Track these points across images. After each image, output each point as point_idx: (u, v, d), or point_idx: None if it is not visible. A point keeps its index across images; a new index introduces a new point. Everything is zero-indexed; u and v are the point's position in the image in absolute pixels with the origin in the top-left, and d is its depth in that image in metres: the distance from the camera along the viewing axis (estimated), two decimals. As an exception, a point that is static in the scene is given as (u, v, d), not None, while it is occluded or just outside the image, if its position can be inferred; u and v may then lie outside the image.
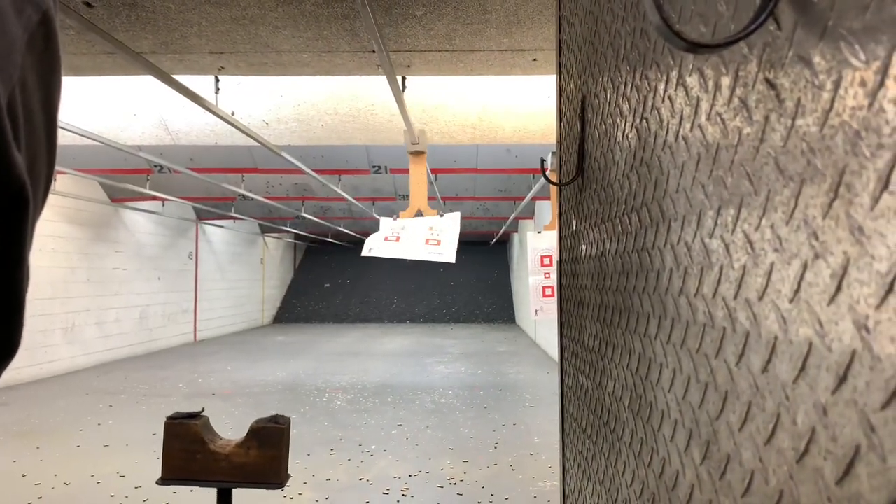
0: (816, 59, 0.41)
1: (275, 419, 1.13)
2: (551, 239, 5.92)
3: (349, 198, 9.85)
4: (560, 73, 1.48)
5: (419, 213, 4.52)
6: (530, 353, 14.25)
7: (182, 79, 4.95)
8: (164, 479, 1.11)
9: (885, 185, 0.34)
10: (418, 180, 4.64)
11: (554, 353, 12.79)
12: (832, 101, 0.39)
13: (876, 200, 0.35)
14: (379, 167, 9.28)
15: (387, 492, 5.17)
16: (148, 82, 5.67)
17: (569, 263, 1.35)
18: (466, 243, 22.72)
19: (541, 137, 6.68)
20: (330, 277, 24.71)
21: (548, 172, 5.43)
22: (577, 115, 1.24)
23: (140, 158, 6.89)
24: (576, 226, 1.26)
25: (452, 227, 4.38)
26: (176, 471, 1.08)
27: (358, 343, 16.32)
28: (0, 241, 0.39)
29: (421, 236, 4.34)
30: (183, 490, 4.76)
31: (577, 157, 1.24)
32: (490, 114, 6.38)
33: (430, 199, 9.03)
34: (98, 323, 11.34)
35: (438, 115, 6.35)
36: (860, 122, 0.37)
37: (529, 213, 14.54)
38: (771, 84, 0.47)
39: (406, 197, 11.60)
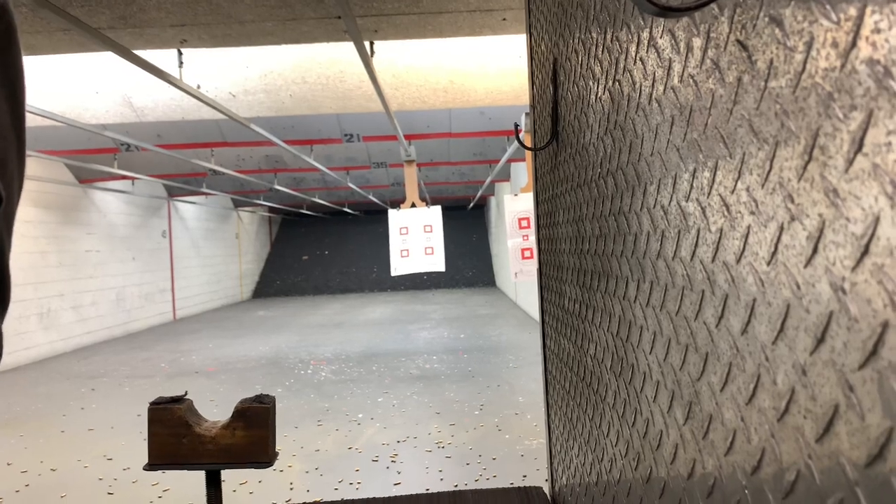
0: (788, 20, 0.41)
1: (259, 399, 1.13)
2: (528, 201, 5.95)
3: (322, 168, 9.74)
4: (530, 35, 1.46)
5: (413, 205, 6.05)
6: (512, 314, 14.37)
7: (144, 54, 4.82)
8: (151, 465, 1.11)
9: (859, 148, 0.34)
10: (411, 182, 6.10)
11: (535, 313, 12.92)
12: (804, 62, 0.39)
13: (850, 162, 0.35)
14: (351, 135, 9.17)
15: (376, 459, 5.23)
16: (109, 59, 5.52)
17: (547, 228, 1.35)
18: (444, 208, 22.71)
19: (514, 98, 6.63)
20: (308, 249, 24.58)
21: (522, 135, 5.44)
22: (548, 77, 1.23)
23: (106, 137, 6.74)
24: (552, 190, 1.26)
25: (438, 224, 5.97)
26: (162, 456, 1.08)
27: (340, 314, 16.33)
28: None
29: (421, 245, 5.96)
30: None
31: (550, 120, 1.23)
32: (462, 76, 6.32)
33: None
34: (74, 307, 11.20)
35: (409, 79, 6.27)
36: (833, 83, 0.36)
37: (505, 176, 14.52)
38: (743, 45, 0.46)
39: (381, 165, 11.50)
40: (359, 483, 4.71)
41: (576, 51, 1.01)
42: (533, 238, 5.78)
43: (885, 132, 0.32)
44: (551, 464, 1.52)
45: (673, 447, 0.67)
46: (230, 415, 1.08)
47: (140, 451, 5.55)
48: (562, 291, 1.24)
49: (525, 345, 10.28)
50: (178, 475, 4.88)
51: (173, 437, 1.05)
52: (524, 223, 5.92)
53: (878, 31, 0.32)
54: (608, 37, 0.83)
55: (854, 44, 0.34)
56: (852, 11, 0.34)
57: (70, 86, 5.91)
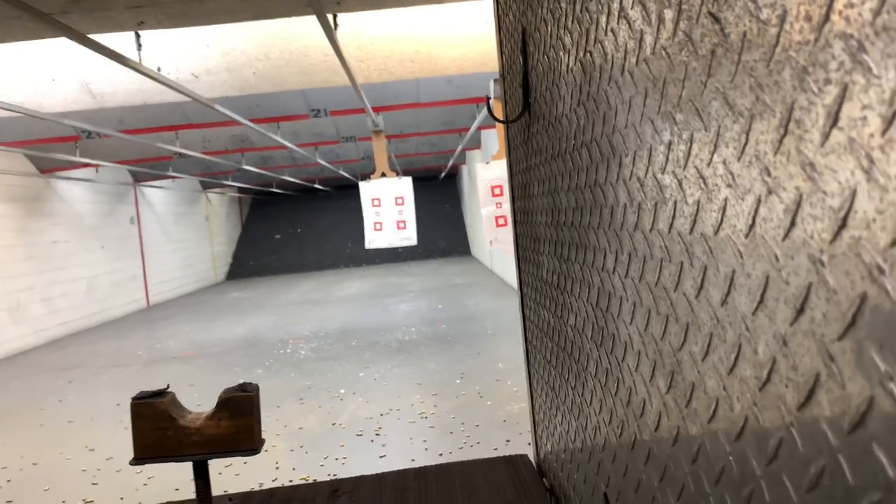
0: (759, -7, 0.41)
1: (242, 387, 1.12)
2: (500, 169, 5.94)
3: (290, 145, 9.61)
4: (497, 4, 1.45)
5: (383, 175, 6.05)
6: (488, 282, 14.45)
7: (100, 38, 4.67)
8: (137, 459, 1.10)
9: (835, 122, 0.34)
10: (380, 153, 6.27)
11: (511, 280, 13.01)
12: (778, 35, 0.39)
13: (826, 136, 0.35)
14: (318, 111, 9.04)
15: (360, 433, 5.27)
16: (65, 45, 5.35)
17: (522, 200, 1.35)
18: (416, 179, 22.60)
19: (481, 65, 6.58)
20: (280, 228, 24.36)
21: (492, 102, 5.39)
22: (518, 48, 1.22)
23: (66, 126, 6.56)
24: (526, 162, 1.26)
25: (409, 195, 5.96)
26: (148, 450, 1.07)
27: (316, 291, 16.27)
28: None
29: (393, 219, 5.87)
30: (157, 456, 4.76)
31: (521, 91, 1.23)
32: (428, 45, 6.24)
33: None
34: (44, 299, 11.01)
35: (375, 50, 6.18)
36: (807, 57, 0.36)
37: (476, 144, 14.47)
38: (715, 18, 0.46)
39: (350, 139, 11.38)
40: (344, 458, 4.75)
41: (545, 20, 1.01)
42: (507, 206, 5.79)
43: (860, 106, 0.32)
44: (535, 432, 1.54)
45: (656, 415, 0.68)
46: (214, 405, 1.07)
47: (122, 441, 5.52)
48: (539, 262, 1.24)
49: (502, 311, 10.36)
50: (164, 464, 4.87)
51: (158, 430, 1.05)
52: (497, 191, 5.92)
53: (851, 5, 0.32)
54: (577, 7, 0.83)
55: (827, 17, 0.34)
56: (825, -15, 0.34)
57: (26, 74, 5.73)
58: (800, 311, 0.39)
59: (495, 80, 5.99)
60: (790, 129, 0.38)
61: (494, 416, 5.37)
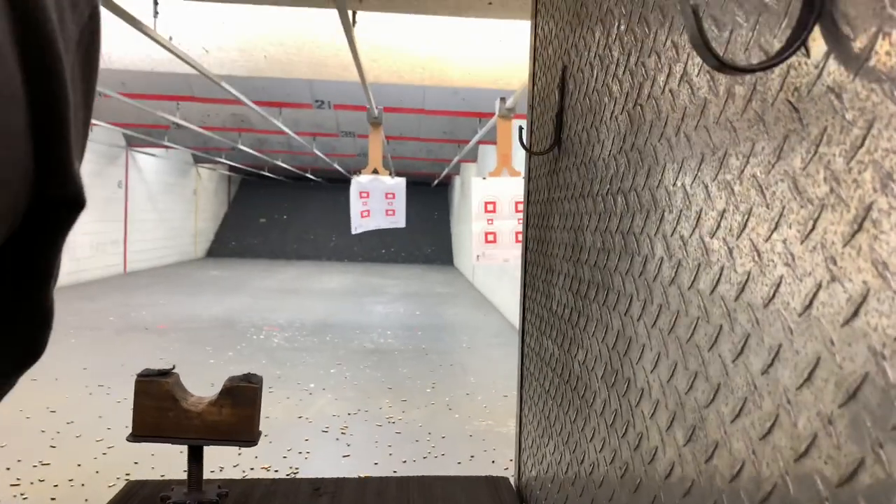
0: (848, 94, 0.43)
1: (248, 378, 1.13)
2: (496, 186, 5.98)
3: (289, 132, 9.60)
4: (535, 36, 1.47)
5: (375, 171, 5.78)
6: (468, 295, 14.49)
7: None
8: (135, 437, 1.10)
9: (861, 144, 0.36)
10: (376, 146, 5.85)
11: (490, 295, 13.04)
12: (864, 138, 0.42)
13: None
14: (322, 102, 9.05)
15: (326, 430, 5.26)
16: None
17: (538, 229, 1.38)
18: (408, 184, 22.57)
19: (490, 82, 6.63)
20: (266, 212, 24.23)
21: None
22: (555, 83, 1.25)
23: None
24: (549, 194, 1.28)
25: (401, 193, 5.85)
26: (147, 428, 1.08)
27: (295, 280, 16.20)
28: (48, 248, 0.39)
29: (382, 208, 5.79)
30: (118, 426, 4.72)
31: (552, 125, 1.25)
32: (440, 55, 6.28)
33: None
34: (21, 252, 10.85)
35: (388, 52, 6.21)
36: (894, 164, 0.39)
37: (473, 157, 14.53)
38: (793, 106, 0.49)
39: (349, 134, 11.39)
40: (308, 452, 4.74)
41: (591, 64, 1.03)
42: (498, 223, 5.83)
43: (946, 223, 0.35)
44: (519, 456, 1.56)
45: (669, 464, 0.70)
46: (218, 391, 1.09)
47: (84, 405, 5.46)
48: (550, 294, 1.27)
49: (479, 326, 10.39)
50: (123, 432, 4.83)
51: (159, 410, 1.05)
52: (490, 207, 5.96)
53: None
54: (632, 59, 0.85)
55: None
56: None
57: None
58: (852, 397, 0.42)
59: (502, 99, 6.05)
60: (865, 227, 0.41)
61: (461, 430, 5.39)
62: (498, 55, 6.23)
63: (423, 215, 23.36)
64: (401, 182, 5.96)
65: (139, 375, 1.09)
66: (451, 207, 23.47)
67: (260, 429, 1.22)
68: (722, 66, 0.47)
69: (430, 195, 23.87)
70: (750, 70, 0.47)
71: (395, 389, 6.45)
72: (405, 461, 4.64)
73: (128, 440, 1.11)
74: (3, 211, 0.32)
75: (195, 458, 1.12)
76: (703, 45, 0.45)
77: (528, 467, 1.42)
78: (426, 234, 22.95)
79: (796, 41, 0.45)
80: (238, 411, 1.08)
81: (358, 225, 5.75)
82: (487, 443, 5.07)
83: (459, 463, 4.66)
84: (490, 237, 5.84)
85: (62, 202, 0.38)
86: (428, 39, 6.12)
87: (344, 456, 4.73)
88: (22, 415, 5.11)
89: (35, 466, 4.22)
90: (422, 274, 18.92)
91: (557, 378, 1.19)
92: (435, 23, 5.94)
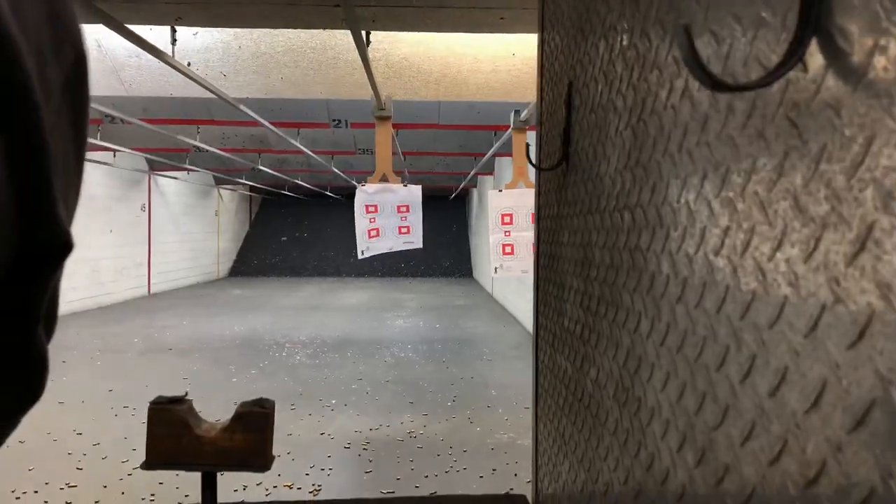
0: (847, 110, 0.42)
1: (259, 403, 1.13)
2: (512, 197, 5.97)
3: (307, 151, 9.68)
4: (542, 51, 1.47)
5: (384, 178, 4.83)
6: (488, 307, 14.43)
7: (136, 28, 4.73)
8: (149, 465, 1.11)
9: (862, 161, 0.35)
10: (384, 145, 4.85)
11: (510, 307, 12.99)
12: (864, 155, 0.40)
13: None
14: (339, 121, 9.12)
15: (348, 445, 5.24)
16: (99, 30, 5.41)
17: (548, 245, 1.36)
18: (425, 197, 22.60)
19: (504, 94, 6.65)
20: (286, 230, 24.41)
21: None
22: (562, 99, 1.24)
23: (91, 109, 6.62)
24: (558, 209, 1.27)
25: (417, 205, 4.86)
26: (161, 456, 1.08)
27: (316, 297, 16.27)
28: (37, 292, 0.39)
29: (393, 225, 4.82)
30: (143, 448, 4.75)
31: (560, 141, 1.24)
32: (454, 70, 6.31)
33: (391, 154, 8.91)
34: (47, 276, 11.03)
35: (402, 70, 6.25)
36: (895, 182, 0.38)
37: (489, 170, 14.54)
38: (793, 122, 0.48)
39: (366, 151, 11.45)
40: (330, 469, 4.73)
41: (595, 79, 1.02)
42: (515, 234, 5.80)
43: (948, 244, 0.34)
44: (536, 474, 1.54)
45: (680, 487, 0.69)
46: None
47: (111, 427, 5.51)
48: (562, 310, 1.25)
49: (500, 338, 10.34)
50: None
51: (172, 437, 1.05)
52: (507, 219, 5.93)
53: (947, 145, 0.34)
54: (635, 75, 0.85)
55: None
56: None
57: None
58: (860, 423, 0.40)
59: (516, 111, 6.03)
60: (867, 247, 0.39)
61: (483, 444, 5.35)
62: (511, 68, 6.25)
63: (442, 228, 23.37)
64: (416, 191, 4.95)
65: (152, 403, 1.09)
66: (469, 220, 23.46)
67: (274, 453, 1.21)
68: (716, 84, 0.46)
69: (448, 208, 23.90)
70: (745, 88, 0.46)
71: (417, 404, 6.43)
72: (427, 476, 4.61)
73: (141, 468, 1.11)
74: None
75: (209, 486, 1.11)
76: (695, 65, 0.45)
77: (545, 485, 1.40)
78: (445, 247, 22.94)
79: (793, 57, 0.44)
80: (250, 437, 1.08)
81: (366, 247, 4.79)
82: (510, 456, 5.03)
83: (482, 477, 4.62)
84: (508, 249, 5.82)
85: (49, 249, 0.37)
86: (441, 56, 6.16)
87: (366, 472, 4.71)
88: (49, 437, 5.17)
89: (62, 489, 4.25)
90: (441, 287, 18.90)
91: (571, 395, 1.18)
92: (448, 39, 5.97)
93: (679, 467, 0.69)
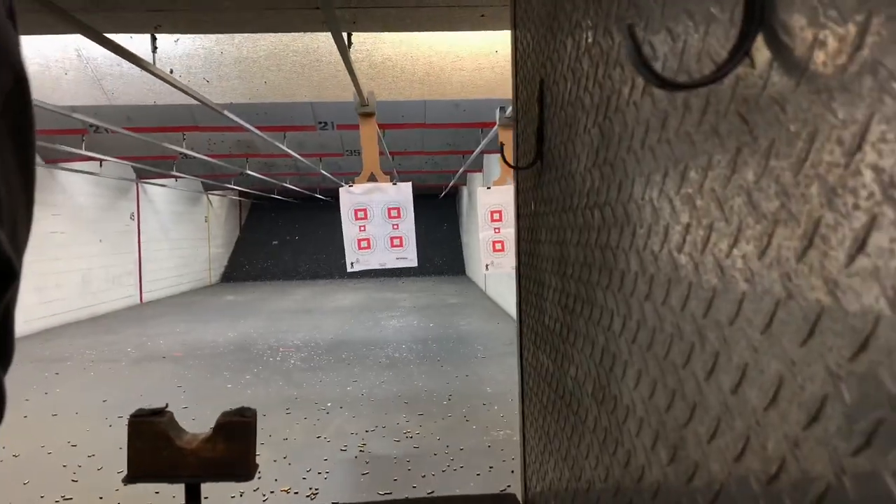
0: (792, 107, 0.42)
1: (241, 412, 1.13)
2: (501, 194, 5.96)
3: (295, 154, 9.65)
4: (516, 49, 1.47)
5: (372, 178, 4.62)
6: (481, 304, 14.43)
7: (115, 37, 4.70)
8: (131, 478, 1.10)
9: (862, 247, 0.35)
10: (369, 143, 4.65)
11: (504, 304, 13.00)
12: (808, 151, 0.40)
13: (852, 259, 0.36)
14: (325, 123, 9.10)
15: (344, 448, 5.23)
16: (79, 39, 5.38)
17: (528, 243, 1.36)
18: (415, 197, 22.57)
19: (488, 91, 6.65)
20: (277, 234, 24.34)
21: (498, 126, 5.45)
22: (534, 97, 1.24)
23: (74, 119, 6.58)
24: (535, 208, 1.27)
25: (408, 206, 4.63)
26: (142, 469, 1.07)
27: (309, 300, 16.23)
28: None
29: (385, 234, 4.59)
30: (138, 458, 4.71)
31: (534, 139, 1.24)
32: (437, 69, 6.30)
33: (378, 153, 8.90)
34: (37, 289, 10.96)
35: (386, 70, 6.24)
36: (837, 179, 0.38)
37: (478, 167, 14.53)
38: (743, 118, 0.48)
39: (353, 152, 11.43)
40: (327, 472, 4.72)
41: (564, 77, 1.02)
42: (504, 231, 5.79)
43: (889, 239, 0.33)
44: (525, 473, 1.54)
45: (655, 484, 0.69)
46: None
47: (105, 438, 5.48)
48: (542, 308, 1.25)
49: (494, 335, 10.34)
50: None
51: (153, 450, 1.05)
52: (496, 216, 5.93)
53: (884, 140, 0.33)
54: (600, 72, 0.84)
55: (860, 147, 0.35)
56: (859, 116, 0.35)
57: (39, 66, 5.76)
58: (814, 419, 0.40)
59: (501, 108, 6.04)
60: (815, 243, 0.39)
61: (479, 442, 5.35)
62: (494, 64, 6.25)
63: (433, 227, 23.36)
64: (406, 190, 4.70)
65: (132, 416, 1.08)
66: (459, 217, 23.46)
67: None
68: (663, 83, 0.46)
69: (439, 207, 23.88)
70: (692, 86, 0.45)
71: (412, 403, 6.42)
72: (424, 475, 4.61)
73: (123, 483, 1.10)
74: None
75: (192, 497, 1.11)
76: (641, 64, 0.44)
77: (533, 483, 1.40)
78: (436, 246, 22.92)
79: (738, 52, 0.44)
80: (232, 446, 1.07)
81: (356, 259, 4.48)
82: (506, 453, 5.03)
83: (479, 475, 4.62)
84: (498, 245, 5.81)
85: None
86: (424, 55, 6.15)
87: (363, 474, 4.70)
88: (44, 450, 5.14)
89: (57, 501, 4.23)
90: (434, 286, 18.89)
91: (553, 394, 1.17)
92: (430, 38, 5.97)
93: (654, 465, 0.69)
